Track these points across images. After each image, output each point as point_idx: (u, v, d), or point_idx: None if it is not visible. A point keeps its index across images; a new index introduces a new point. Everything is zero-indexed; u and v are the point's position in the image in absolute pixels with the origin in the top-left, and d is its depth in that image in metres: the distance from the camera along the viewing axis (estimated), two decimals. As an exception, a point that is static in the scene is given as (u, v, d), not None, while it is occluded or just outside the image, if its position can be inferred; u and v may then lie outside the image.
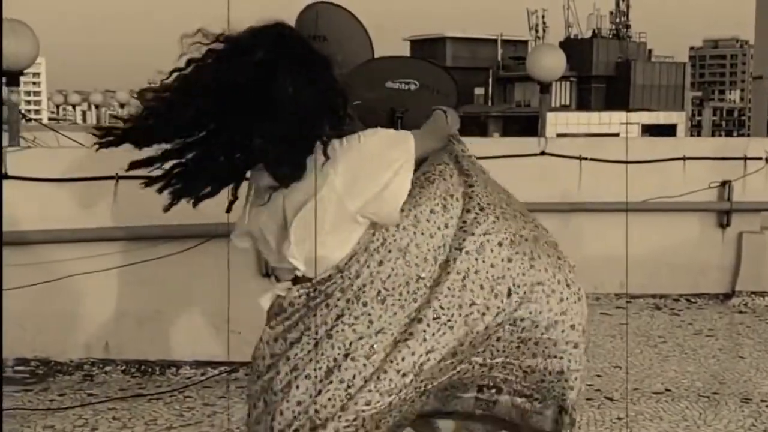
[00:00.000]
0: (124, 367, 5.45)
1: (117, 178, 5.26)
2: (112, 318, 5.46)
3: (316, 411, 2.26)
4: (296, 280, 2.36)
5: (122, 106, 29.52)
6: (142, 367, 5.45)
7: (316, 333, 2.30)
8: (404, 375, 2.29)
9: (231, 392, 5.11)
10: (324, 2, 7.65)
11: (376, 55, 7.71)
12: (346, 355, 2.27)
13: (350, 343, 2.28)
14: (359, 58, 7.44)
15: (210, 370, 5.40)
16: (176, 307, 5.46)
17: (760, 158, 7.57)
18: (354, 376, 2.26)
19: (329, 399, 2.26)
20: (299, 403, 2.27)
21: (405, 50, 58.67)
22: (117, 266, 5.28)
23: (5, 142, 6.08)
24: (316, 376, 2.28)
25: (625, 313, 7.12)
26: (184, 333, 5.47)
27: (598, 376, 5.48)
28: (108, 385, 5.27)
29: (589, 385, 5.30)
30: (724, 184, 7.53)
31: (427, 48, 61.23)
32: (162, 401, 4.98)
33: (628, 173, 7.37)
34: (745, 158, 7.56)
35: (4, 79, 6.04)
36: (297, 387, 2.28)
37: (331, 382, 2.26)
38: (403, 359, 2.29)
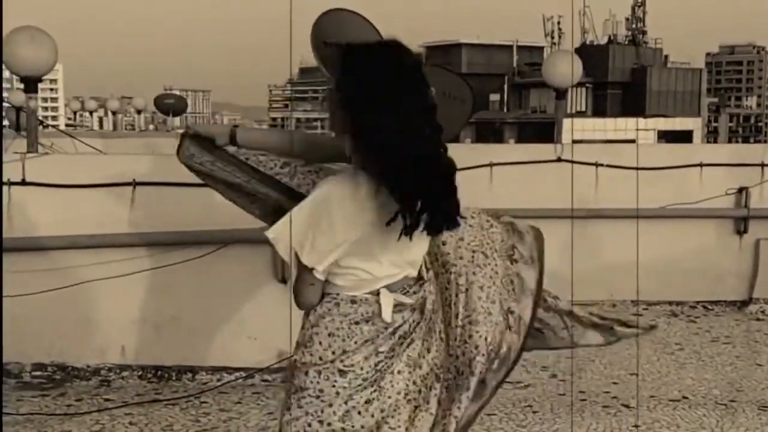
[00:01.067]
0: (140, 373, 5.46)
1: (134, 184, 5.29)
2: (129, 323, 5.48)
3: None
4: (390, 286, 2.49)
5: (139, 112, 29.67)
6: (159, 372, 5.46)
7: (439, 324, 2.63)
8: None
9: (247, 398, 5.12)
10: (340, 9, 7.68)
11: (391, 62, 7.72)
12: (434, 312, 2.62)
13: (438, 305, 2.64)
14: (375, 64, 7.47)
15: (226, 376, 5.41)
16: (192, 312, 5.47)
17: (778, 165, 7.53)
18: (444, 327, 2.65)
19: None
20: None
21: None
22: (134, 272, 5.30)
23: (23, 149, 6.12)
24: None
25: (641, 320, 7.09)
26: (200, 338, 5.48)
27: (615, 383, 5.46)
28: (125, 390, 5.29)
29: (605, 392, 5.28)
30: (741, 190, 7.49)
31: (442, 54, 61.27)
32: (178, 407, 5.00)
33: (645, 180, 7.35)
34: (762, 165, 7.52)
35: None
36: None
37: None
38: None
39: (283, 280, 5.20)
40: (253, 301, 5.41)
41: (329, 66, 7.65)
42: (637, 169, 7.08)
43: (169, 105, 24.96)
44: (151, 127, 32.94)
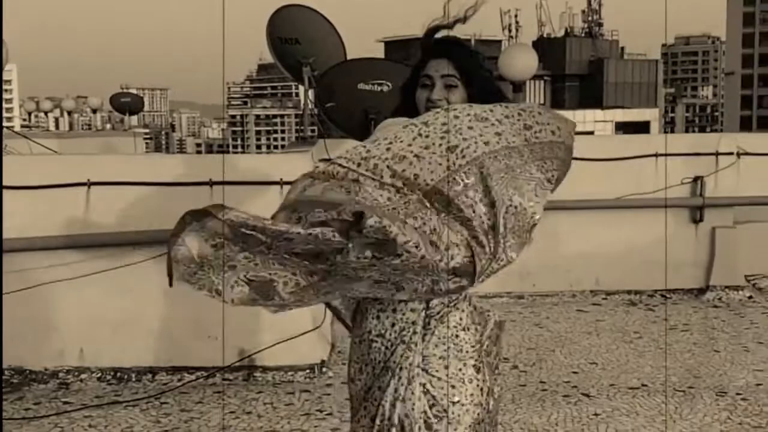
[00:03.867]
0: (99, 375, 5.41)
1: (89, 184, 5.23)
2: (87, 325, 5.43)
3: None
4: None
5: (94, 111, 29.33)
6: (118, 374, 5.41)
7: None
8: None
9: (208, 397, 5.09)
10: (296, 5, 7.66)
11: (348, 57, 7.72)
12: None
13: None
14: (332, 60, 7.47)
15: (186, 376, 5.37)
16: (151, 313, 5.43)
17: (732, 153, 7.63)
18: None
19: None
20: None
21: (379, 52, 58.70)
22: (90, 273, 5.24)
23: (-25, 150, 6.03)
24: None
25: (601, 310, 7.16)
26: (159, 339, 5.44)
27: (575, 372, 5.50)
28: (83, 392, 5.23)
29: (565, 381, 5.33)
30: (697, 179, 7.58)
31: (401, 49, 61.31)
32: (138, 408, 4.96)
33: (602, 170, 7.41)
34: (717, 154, 7.62)
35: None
36: None
37: None
38: None
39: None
40: (212, 300, 5.38)
41: (285, 61, 7.63)
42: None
43: (125, 104, 24.62)
44: (108, 126, 32.54)
